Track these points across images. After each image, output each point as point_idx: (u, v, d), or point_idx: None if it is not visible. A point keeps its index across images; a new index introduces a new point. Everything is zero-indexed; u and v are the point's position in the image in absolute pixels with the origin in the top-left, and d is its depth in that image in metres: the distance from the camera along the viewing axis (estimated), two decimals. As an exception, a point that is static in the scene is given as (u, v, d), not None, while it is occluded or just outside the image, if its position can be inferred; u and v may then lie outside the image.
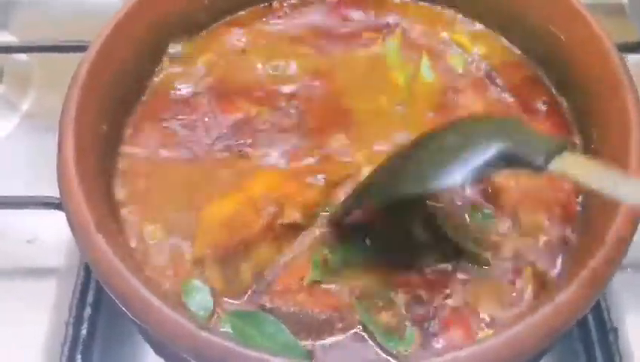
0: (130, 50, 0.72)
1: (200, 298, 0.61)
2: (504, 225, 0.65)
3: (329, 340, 0.59)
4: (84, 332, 0.74)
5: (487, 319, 0.60)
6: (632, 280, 0.82)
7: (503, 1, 0.77)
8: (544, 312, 0.53)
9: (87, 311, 0.75)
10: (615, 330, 0.75)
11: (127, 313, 0.54)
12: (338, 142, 0.71)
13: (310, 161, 0.69)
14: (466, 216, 0.65)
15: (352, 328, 0.60)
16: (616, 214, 0.56)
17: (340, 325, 0.60)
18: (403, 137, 0.70)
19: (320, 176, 0.67)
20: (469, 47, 0.79)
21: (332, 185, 0.67)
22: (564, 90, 0.74)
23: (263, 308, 0.60)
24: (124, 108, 0.72)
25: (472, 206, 0.66)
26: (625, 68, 0.66)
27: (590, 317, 0.76)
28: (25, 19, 1.04)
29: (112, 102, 0.69)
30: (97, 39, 0.67)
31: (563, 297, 0.53)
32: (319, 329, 0.59)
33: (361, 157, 0.69)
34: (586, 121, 0.70)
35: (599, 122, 0.67)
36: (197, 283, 0.62)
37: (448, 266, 0.62)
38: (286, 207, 0.64)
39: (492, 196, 0.66)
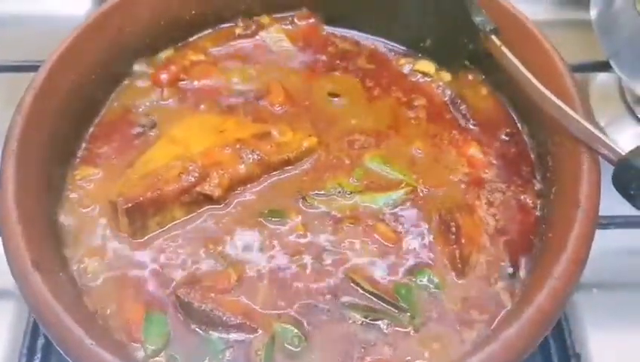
0: (82, 74, 0.71)
1: (156, 331, 0.61)
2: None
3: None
4: (36, 362, 0.72)
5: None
6: (596, 300, 0.81)
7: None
8: (490, 350, 0.51)
9: (41, 340, 0.73)
10: (578, 356, 0.74)
11: (63, 354, 0.53)
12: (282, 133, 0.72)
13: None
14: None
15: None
16: (563, 251, 0.55)
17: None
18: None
19: (256, 154, 0.69)
20: (433, 75, 0.79)
21: (264, 166, 0.69)
22: (525, 117, 0.73)
23: (178, 299, 0.61)
24: (75, 131, 0.71)
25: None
26: (578, 91, 0.65)
27: (552, 342, 0.75)
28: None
29: (61, 128, 0.68)
30: (43, 65, 0.66)
31: (508, 335, 0.52)
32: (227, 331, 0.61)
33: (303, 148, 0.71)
34: (543, 149, 0.69)
35: (553, 150, 0.66)
36: (157, 317, 0.61)
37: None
38: (211, 177, 0.66)
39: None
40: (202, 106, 0.76)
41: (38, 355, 0.73)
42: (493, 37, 0.69)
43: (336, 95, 0.77)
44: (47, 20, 1.04)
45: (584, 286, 0.81)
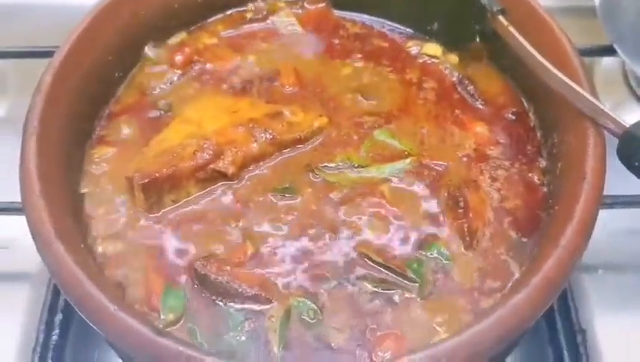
0: (98, 56, 0.72)
1: (173, 303, 0.62)
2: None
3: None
4: (55, 337, 0.74)
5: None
6: (602, 281, 0.82)
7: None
8: (498, 315, 0.53)
9: (59, 316, 0.75)
10: (583, 332, 0.76)
11: (86, 320, 0.54)
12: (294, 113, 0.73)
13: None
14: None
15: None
16: (569, 222, 0.57)
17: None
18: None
19: (268, 133, 0.70)
20: (440, 57, 0.80)
21: (276, 144, 0.71)
22: (532, 96, 0.75)
23: (195, 271, 0.63)
24: (92, 111, 0.73)
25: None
26: (585, 71, 0.67)
27: (559, 319, 0.77)
28: (2, 27, 1.04)
29: (79, 108, 0.70)
30: (62, 46, 0.68)
31: (516, 301, 0.53)
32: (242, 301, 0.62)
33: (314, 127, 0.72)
34: (549, 127, 0.70)
35: (560, 127, 0.68)
36: (175, 288, 0.63)
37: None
38: (225, 155, 0.68)
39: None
40: (216, 87, 0.77)
41: (56, 331, 0.75)
42: (501, 17, 0.71)
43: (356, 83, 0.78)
44: (57, 9, 1.06)
45: (590, 266, 0.82)
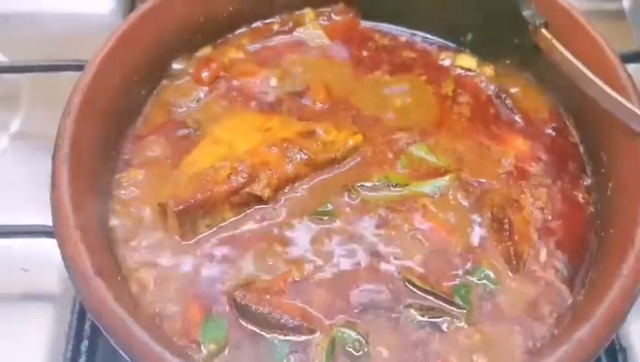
0: (125, 74, 0.70)
1: (214, 334, 0.60)
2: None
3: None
4: (82, 362, 0.72)
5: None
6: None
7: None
8: (563, 351, 0.51)
9: (85, 343, 0.73)
10: (624, 350, 0.74)
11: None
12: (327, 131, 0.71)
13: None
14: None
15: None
16: (630, 247, 0.55)
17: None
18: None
19: (303, 154, 0.68)
20: (475, 69, 0.78)
21: (311, 165, 0.69)
22: (574, 111, 0.73)
23: (234, 302, 0.61)
24: (120, 133, 0.70)
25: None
26: (633, 85, 0.65)
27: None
28: (16, 38, 1.01)
29: (107, 131, 0.67)
30: (88, 67, 0.65)
31: (580, 335, 0.51)
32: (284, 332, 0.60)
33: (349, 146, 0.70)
34: (594, 144, 0.68)
35: (608, 144, 0.65)
36: (215, 319, 0.61)
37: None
38: (260, 178, 0.66)
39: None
40: (244, 105, 0.75)
41: (83, 358, 0.72)
42: (544, 30, 0.69)
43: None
44: (69, 19, 1.03)
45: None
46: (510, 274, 0.63)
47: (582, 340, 0.51)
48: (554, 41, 0.68)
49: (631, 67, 0.97)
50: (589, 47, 0.68)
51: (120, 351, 0.54)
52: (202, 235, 0.65)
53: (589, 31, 0.69)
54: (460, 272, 0.63)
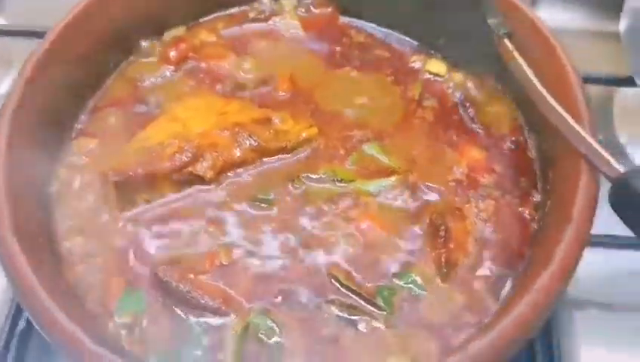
0: (89, 45, 0.71)
1: (130, 307, 0.61)
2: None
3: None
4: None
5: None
6: (591, 320, 0.78)
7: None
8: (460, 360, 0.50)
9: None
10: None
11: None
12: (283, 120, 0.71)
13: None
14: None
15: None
16: (550, 261, 0.54)
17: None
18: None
19: (253, 140, 0.68)
20: (444, 75, 0.77)
21: (260, 152, 0.69)
22: (534, 126, 0.71)
23: (156, 277, 0.61)
24: (77, 102, 0.72)
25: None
26: (587, 106, 0.63)
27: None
28: (21, 5, 1.04)
29: (62, 97, 0.68)
30: (48, 34, 0.67)
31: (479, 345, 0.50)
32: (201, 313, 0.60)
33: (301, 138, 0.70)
34: (547, 161, 0.67)
35: (556, 163, 0.64)
36: (134, 295, 0.61)
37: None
38: (205, 158, 0.66)
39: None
40: (209, 87, 0.75)
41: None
42: (506, 41, 0.67)
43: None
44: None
45: (580, 303, 0.78)
46: (439, 281, 0.62)
47: (479, 351, 0.50)
48: (514, 53, 0.66)
49: (623, 91, 0.96)
50: (550, 63, 0.66)
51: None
52: (139, 209, 0.66)
53: (553, 46, 0.67)
54: (388, 274, 0.62)
